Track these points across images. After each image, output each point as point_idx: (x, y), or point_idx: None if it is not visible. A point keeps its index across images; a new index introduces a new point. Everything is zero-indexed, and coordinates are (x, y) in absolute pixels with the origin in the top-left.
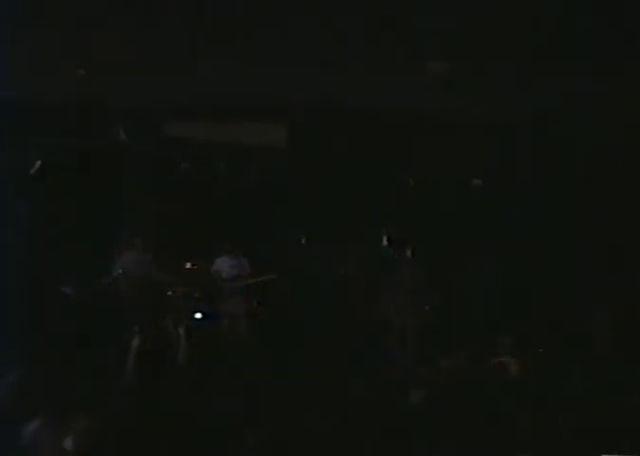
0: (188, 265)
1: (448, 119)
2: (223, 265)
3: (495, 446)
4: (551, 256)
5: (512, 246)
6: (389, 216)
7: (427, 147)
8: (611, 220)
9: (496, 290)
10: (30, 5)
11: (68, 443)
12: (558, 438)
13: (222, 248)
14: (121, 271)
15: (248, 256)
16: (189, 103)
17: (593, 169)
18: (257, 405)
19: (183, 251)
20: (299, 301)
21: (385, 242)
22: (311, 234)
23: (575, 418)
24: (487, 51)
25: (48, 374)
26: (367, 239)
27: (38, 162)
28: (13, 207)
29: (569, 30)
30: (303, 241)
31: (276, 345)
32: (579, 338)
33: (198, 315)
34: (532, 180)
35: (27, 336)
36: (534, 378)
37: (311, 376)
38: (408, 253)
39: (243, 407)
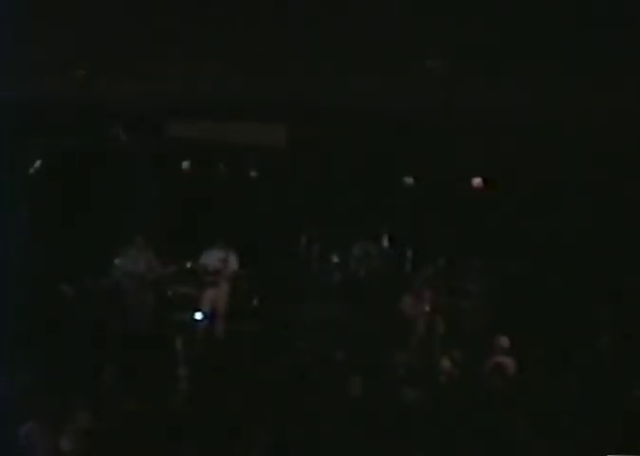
0: (188, 264)
1: (448, 118)
2: (210, 258)
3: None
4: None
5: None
6: (389, 216)
7: (427, 147)
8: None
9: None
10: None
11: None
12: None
13: (210, 241)
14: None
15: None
16: (189, 103)
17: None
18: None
19: (183, 249)
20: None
21: (385, 242)
22: (312, 234)
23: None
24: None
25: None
26: (367, 240)
27: (38, 162)
28: (13, 207)
29: None
30: (303, 241)
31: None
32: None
33: (199, 316)
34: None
35: (26, 336)
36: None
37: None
38: (409, 253)
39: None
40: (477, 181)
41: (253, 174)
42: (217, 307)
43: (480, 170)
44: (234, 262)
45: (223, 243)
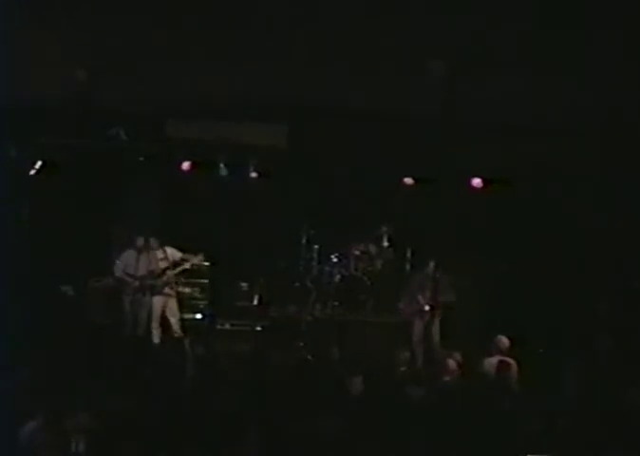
0: (187, 265)
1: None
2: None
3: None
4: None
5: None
6: (389, 216)
7: (427, 147)
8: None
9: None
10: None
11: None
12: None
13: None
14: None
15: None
16: (189, 103)
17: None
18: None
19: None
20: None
21: (385, 242)
22: (312, 234)
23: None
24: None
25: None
26: (367, 240)
27: (39, 163)
28: (13, 207)
29: None
30: (304, 241)
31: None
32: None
33: (198, 315)
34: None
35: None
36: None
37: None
38: (408, 253)
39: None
40: (477, 181)
41: (253, 174)
42: (171, 306)
43: (480, 170)
44: (174, 254)
45: (156, 240)
